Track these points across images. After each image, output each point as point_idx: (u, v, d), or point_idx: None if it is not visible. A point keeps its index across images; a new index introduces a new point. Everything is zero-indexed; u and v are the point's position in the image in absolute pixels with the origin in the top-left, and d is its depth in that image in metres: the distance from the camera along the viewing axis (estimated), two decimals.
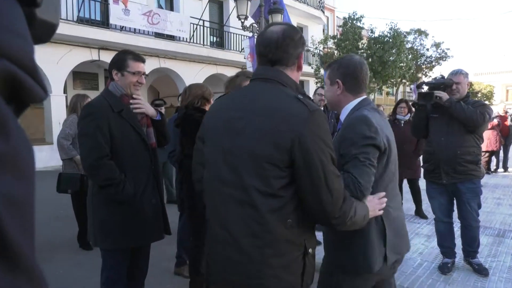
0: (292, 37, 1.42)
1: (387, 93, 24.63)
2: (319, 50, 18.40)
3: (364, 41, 17.02)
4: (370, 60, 16.22)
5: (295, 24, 19.69)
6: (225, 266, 1.38)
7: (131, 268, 2.34)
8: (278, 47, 1.41)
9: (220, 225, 1.39)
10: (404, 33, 19.44)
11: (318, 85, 16.99)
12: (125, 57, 2.24)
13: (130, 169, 2.18)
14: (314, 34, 19.79)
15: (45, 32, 0.41)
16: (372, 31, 16.98)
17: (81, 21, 11.21)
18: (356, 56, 1.85)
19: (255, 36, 9.50)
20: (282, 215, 1.31)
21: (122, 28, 11.81)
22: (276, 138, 1.29)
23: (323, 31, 22.69)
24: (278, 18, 9.58)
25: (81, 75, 13.47)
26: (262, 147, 1.30)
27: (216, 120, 1.46)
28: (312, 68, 17.48)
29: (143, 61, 2.30)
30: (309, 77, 19.45)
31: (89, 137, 2.11)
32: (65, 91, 11.94)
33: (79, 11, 10.97)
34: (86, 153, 2.14)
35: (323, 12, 21.95)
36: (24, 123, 13.28)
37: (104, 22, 11.98)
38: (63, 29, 10.34)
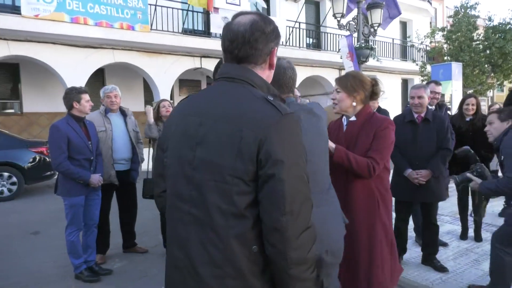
0: (263, 30, 1.21)
1: (510, 90, 21.49)
2: (425, 45, 16.90)
3: (480, 31, 15.09)
4: (488, 52, 14.33)
5: (397, 20, 18.56)
6: None
7: None
8: (245, 42, 1.20)
9: (179, 247, 1.20)
10: None
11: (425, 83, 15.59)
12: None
13: None
14: (419, 28, 18.27)
15: None
16: (490, 19, 14.96)
17: (185, 32, 12.06)
18: (282, 60, 1.76)
19: (353, 35, 9.09)
20: (246, 241, 1.10)
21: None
22: (239, 146, 1.09)
23: (430, 24, 20.84)
24: (378, 13, 9.02)
25: (185, 82, 14.48)
26: (224, 157, 1.10)
27: (176, 126, 1.26)
28: (416, 65, 16.13)
29: None
30: (414, 75, 18.01)
31: None
32: (172, 98, 12.97)
33: (183, 23, 11.80)
34: None
35: (430, 4, 20.16)
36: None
37: (205, 32, 12.71)
38: (171, 40, 11.25)
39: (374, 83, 2.35)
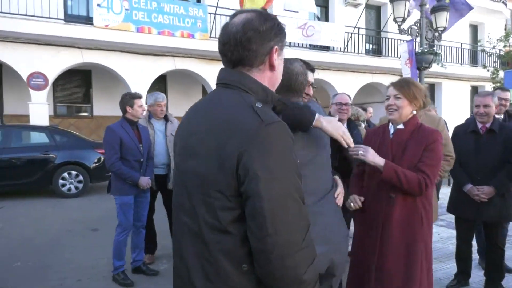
0: (256, 29, 1.11)
1: None
2: (499, 50, 15.60)
3: None
4: None
5: (467, 23, 17.38)
6: None
7: None
8: (237, 43, 1.11)
9: (180, 257, 1.19)
10: None
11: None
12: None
13: None
14: (491, 32, 16.93)
15: None
16: None
17: None
18: (296, 64, 1.77)
19: (415, 40, 8.65)
20: (235, 258, 1.04)
21: None
22: (221, 158, 1.03)
23: (505, 26, 19.23)
24: (443, 17, 8.50)
25: None
26: (209, 169, 1.05)
27: (178, 135, 1.26)
28: (487, 71, 14.93)
29: (313, 70, 2.19)
30: (485, 82, 16.70)
31: None
32: None
33: None
34: None
35: (505, 5, 18.61)
36: None
37: None
38: None
39: (426, 92, 2.26)
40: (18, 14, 9.22)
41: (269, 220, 0.97)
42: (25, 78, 9.70)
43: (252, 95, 1.12)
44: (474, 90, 17.78)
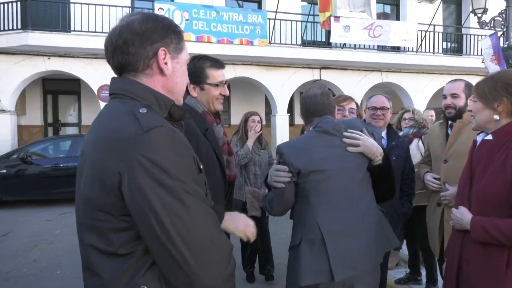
0: (134, 30, 1.02)
1: None
2: None
3: None
4: None
5: None
6: None
7: None
8: (114, 48, 1.04)
9: None
10: None
11: None
12: (202, 65, 1.81)
13: None
14: None
15: None
16: None
17: (305, 43, 11.84)
18: (311, 90, 1.92)
19: (498, 33, 7.49)
20: (132, 282, 0.93)
21: (343, 46, 11.76)
22: (102, 174, 0.93)
23: None
24: None
25: None
26: (92, 189, 0.96)
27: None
28: None
29: (223, 66, 1.88)
30: None
31: None
32: (291, 110, 12.88)
33: (302, 35, 11.60)
34: None
35: None
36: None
37: (326, 42, 12.28)
38: (290, 53, 11.14)
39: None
40: (89, 32, 9.87)
41: (173, 234, 0.90)
42: (95, 91, 10.33)
43: (141, 101, 1.02)
44: None
